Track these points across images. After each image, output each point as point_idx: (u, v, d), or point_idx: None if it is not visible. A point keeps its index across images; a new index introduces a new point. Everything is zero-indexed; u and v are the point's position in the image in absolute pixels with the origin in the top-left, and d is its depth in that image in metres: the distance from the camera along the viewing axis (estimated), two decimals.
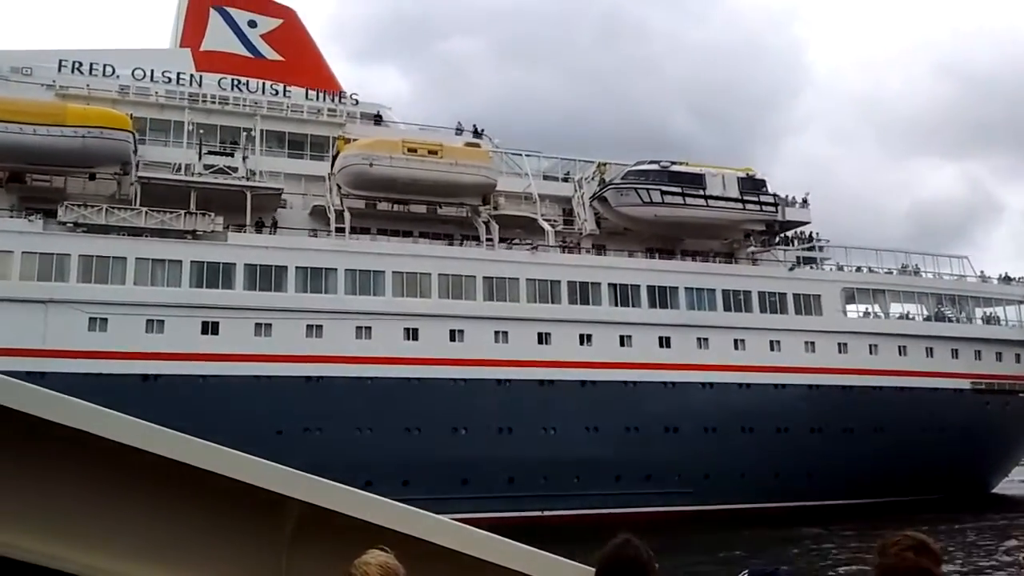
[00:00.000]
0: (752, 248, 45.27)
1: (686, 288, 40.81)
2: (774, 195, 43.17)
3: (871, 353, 43.76)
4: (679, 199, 40.83)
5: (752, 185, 42.79)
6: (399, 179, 36.98)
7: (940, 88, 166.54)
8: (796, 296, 42.75)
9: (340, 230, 37.37)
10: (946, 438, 43.78)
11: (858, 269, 46.04)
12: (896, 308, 47.10)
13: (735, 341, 41.13)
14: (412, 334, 36.34)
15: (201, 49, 43.80)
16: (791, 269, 43.28)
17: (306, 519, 3.11)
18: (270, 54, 44.93)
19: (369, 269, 36.38)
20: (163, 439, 2.96)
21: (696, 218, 41.34)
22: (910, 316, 46.71)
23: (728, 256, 45.33)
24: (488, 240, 38.98)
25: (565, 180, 44.30)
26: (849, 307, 45.09)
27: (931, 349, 45.45)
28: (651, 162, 41.95)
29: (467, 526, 3.21)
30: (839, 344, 43.08)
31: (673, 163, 41.80)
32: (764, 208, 42.68)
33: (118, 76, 39.77)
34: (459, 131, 44.06)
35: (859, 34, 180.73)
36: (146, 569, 3.08)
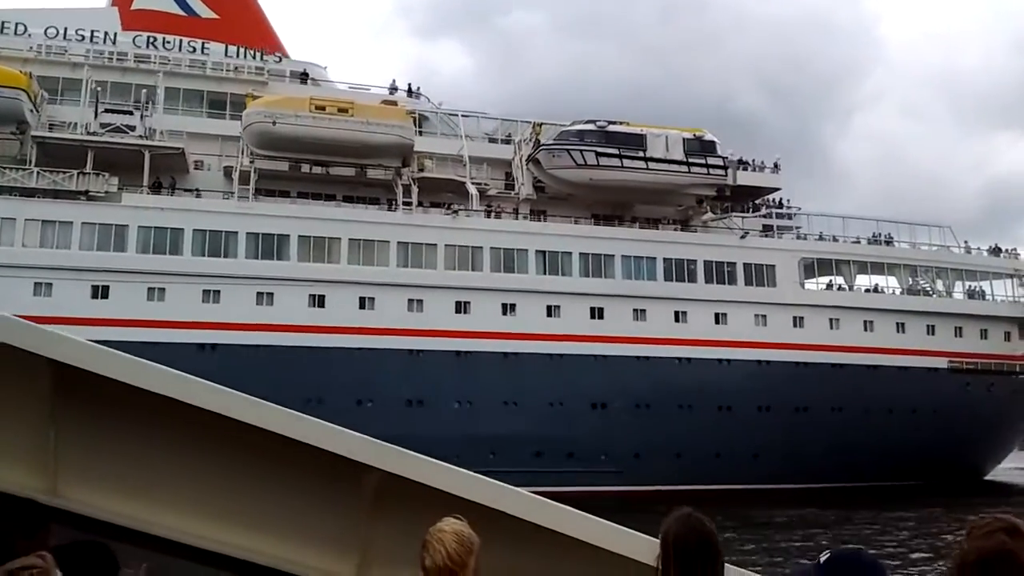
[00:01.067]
0: (708, 215, 43.30)
1: (623, 256, 39.12)
2: (724, 158, 41.07)
3: (832, 328, 41.57)
4: (616, 161, 39.05)
5: (700, 147, 40.79)
6: (304, 138, 35.92)
7: (1019, 62, 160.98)
8: (747, 266, 40.75)
9: (250, 192, 36.43)
10: (921, 421, 41.51)
11: (820, 238, 43.72)
12: (867, 281, 44.80)
13: (676, 313, 39.34)
14: (318, 301, 35.33)
15: (132, 8, 43.22)
16: (742, 237, 41.21)
17: (384, 488, 3.19)
18: (204, 12, 44.16)
19: (273, 232, 35.46)
20: (246, 406, 3.06)
21: (636, 182, 39.53)
22: (881, 289, 44.26)
23: (683, 223, 43.44)
24: (406, 204, 37.69)
25: (507, 142, 42.77)
26: (818, 279, 42.70)
27: (902, 325, 43.07)
28: (587, 121, 40.21)
29: (542, 498, 3.22)
30: (794, 318, 40.99)
31: (611, 122, 39.97)
32: (712, 172, 40.68)
33: (30, 35, 39.34)
34: (393, 89, 42.82)
35: (933, 7, 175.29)
36: (229, 533, 3.21)
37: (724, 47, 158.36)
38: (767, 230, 44.96)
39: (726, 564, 2.73)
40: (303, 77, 41.68)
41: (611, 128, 39.69)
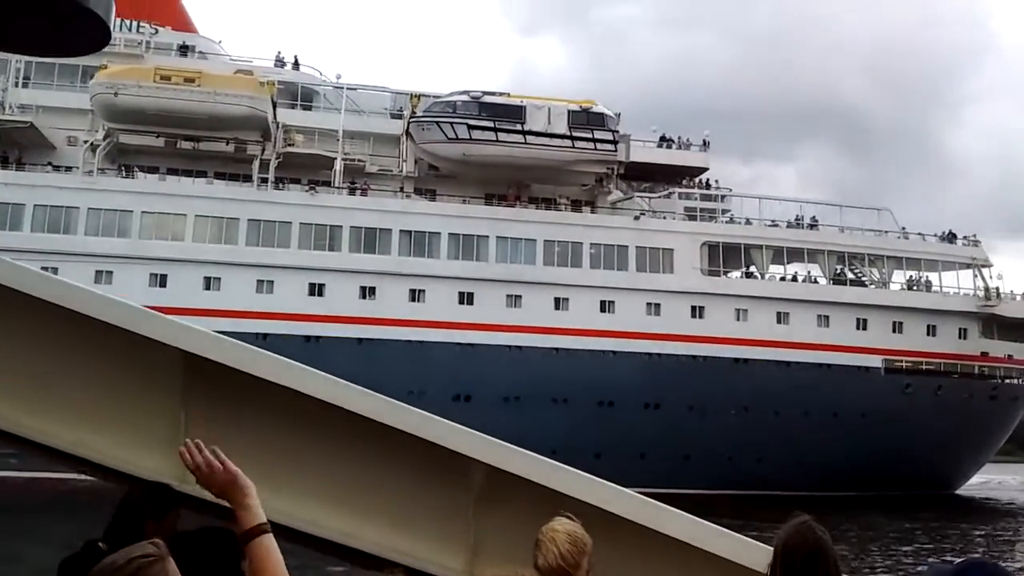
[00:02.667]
0: (615, 196, 41.55)
1: (498, 238, 37.83)
2: (614, 131, 39.25)
3: (739, 319, 39.38)
4: (491, 135, 37.71)
5: (586, 120, 39.12)
6: (148, 109, 35.82)
7: None
8: (640, 250, 38.90)
9: (95, 167, 36.47)
10: (845, 425, 38.95)
11: (730, 220, 41.42)
12: (793, 269, 42.35)
13: (556, 300, 37.82)
14: (160, 280, 35.15)
15: None
16: (636, 218, 39.32)
17: (492, 483, 3.30)
18: None
19: (115, 209, 35.39)
20: (361, 397, 3.23)
21: (513, 157, 38.14)
22: (805, 278, 41.72)
23: (591, 204, 41.75)
24: (262, 179, 37.19)
25: (397, 117, 41.83)
26: (723, 266, 40.47)
27: (826, 318, 40.48)
28: (463, 92, 38.94)
29: (654, 501, 3.29)
30: (694, 307, 38.96)
31: (488, 93, 38.61)
32: (600, 146, 38.92)
33: None
34: (280, 63, 42.40)
35: None
36: (343, 521, 3.37)
37: (829, 34, 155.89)
38: (692, 213, 42.85)
39: None
40: (183, 50, 41.53)
41: (486, 99, 38.40)
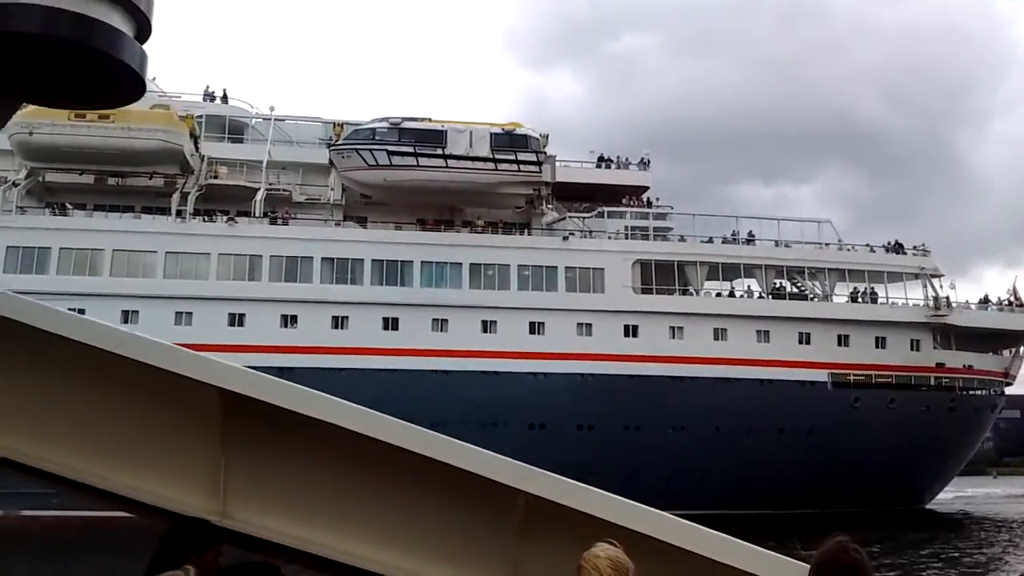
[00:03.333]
0: (550, 217, 41.60)
1: (423, 262, 37.88)
2: (537, 152, 39.37)
3: (673, 337, 39.03)
4: (411, 160, 37.95)
5: (509, 142, 39.33)
6: (63, 147, 36.34)
7: None
8: (570, 270, 38.80)
9: (13, 204, 36.97)
10: (793, 441, 38.39)
11: (663, 238, 41.24)
12: (731, 285, 42.01)
13: (484, 323, 37.71)
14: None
15: None
16: (565, 239, 39.28)
17: (532, 510, 3.34)
18: None
19: (33, 246, 35.73)
20: (399, 430, 3.32)
21: (435, 182, 38.33)
22: (741, 293, 41.41)
23: (523, 226, 41.78)
24: (179, 212, 37.49)
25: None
26: (655, 284, 40.16)
27: (765, 333, 40.04)
28: (383, 119, 39.28)
29: (695, 524, 3.34)
30: (627, 326, 38.70)
31: (407, 118, 38.93)
32: (523, 168, 39.04)
33: None
34: (209, 97, 43.02)
35: None
36: (382, 553, 3.46)
37: (847, 55, 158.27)
38: (658, 232, 42.72)
39: None
40: None
41: (406, 124, 38.71)
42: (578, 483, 3.39)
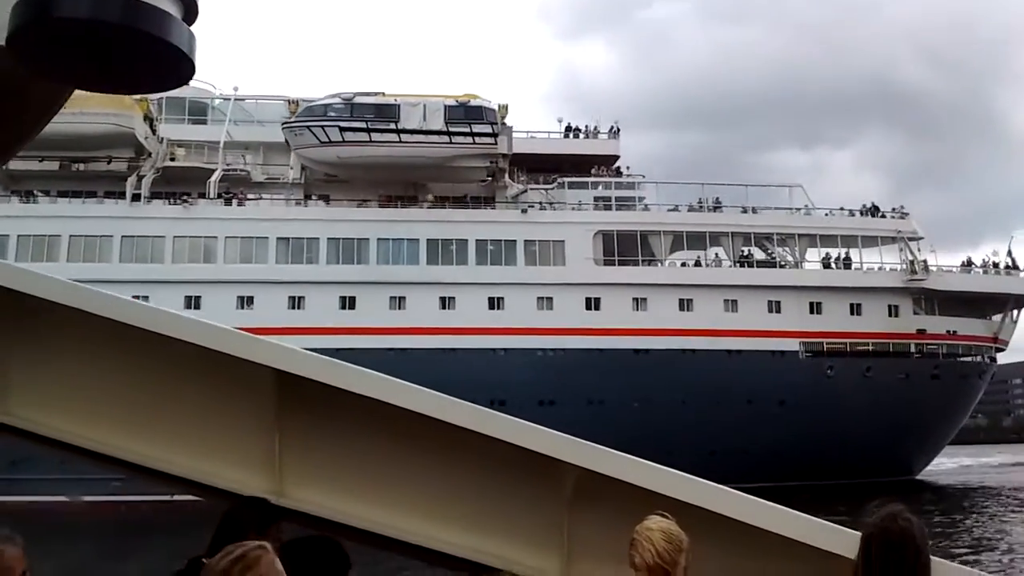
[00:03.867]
0: (515, 189, 41.41)
1: (379, 239, 37.96)
2: (493, 124, 39.04)
3: (636, 309, 38.78)
4: (364, 136, 37.89)
5: (464, 114, 39.05)
6: None
7: None
8: (530, 243, 38.62)
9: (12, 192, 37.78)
10: (763, 411, 38.04)
11: (631, 208, 40.84)
12: (699, 254, 41.49)
13: (442, 299, 37.76)
14: None
15: None
16: (524, 211, 39.08)
17: (583, 484, 3.42)
18: None
19: None
20: (449, 406, 3.41)
21: (389, 157, 38.22)
22: (705, 262, 40.90)
23: (489, 200, 41.62)
24: (135, 195, 37.90)
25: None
26: (618, 255, 39.81)
27: (733, 302, 39.59)
28: (335, 94, 39.21)
29: (746, 495, 3.39)
30: (588, 299, 38.51)
31: (360, 94, 38.80)
32: (478, 140, 38.77)
33: None
34: None
35: None
36: (435, 529, 3.56)
37: (883, 16, 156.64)
38: (623, 203, 42.36)
39: (935, 558, 2.84)
40: None
41: (358, 100, 38.57)
42: (630, 456, 3.41)
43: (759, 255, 41.56)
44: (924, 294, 42.34)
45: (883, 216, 43.22)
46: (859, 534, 3.06)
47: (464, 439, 3.37)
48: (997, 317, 46.83)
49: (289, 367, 3.40)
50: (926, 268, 41.22)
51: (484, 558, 3.48)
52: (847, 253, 41.47)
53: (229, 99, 42.36)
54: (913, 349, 42.27)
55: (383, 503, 3.53)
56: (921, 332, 42.50)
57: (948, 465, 56.28)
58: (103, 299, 3.48)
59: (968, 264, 44.02)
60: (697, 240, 40.50)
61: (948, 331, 43.28)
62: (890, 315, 41.91)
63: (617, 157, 44.90)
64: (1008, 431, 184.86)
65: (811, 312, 40.63)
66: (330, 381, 3.38)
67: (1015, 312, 47.88)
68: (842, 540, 3.17)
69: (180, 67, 3.20)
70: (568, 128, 44.90)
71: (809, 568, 3.26)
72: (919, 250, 42.08)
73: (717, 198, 41.72)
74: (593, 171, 43.84)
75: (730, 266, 40.60)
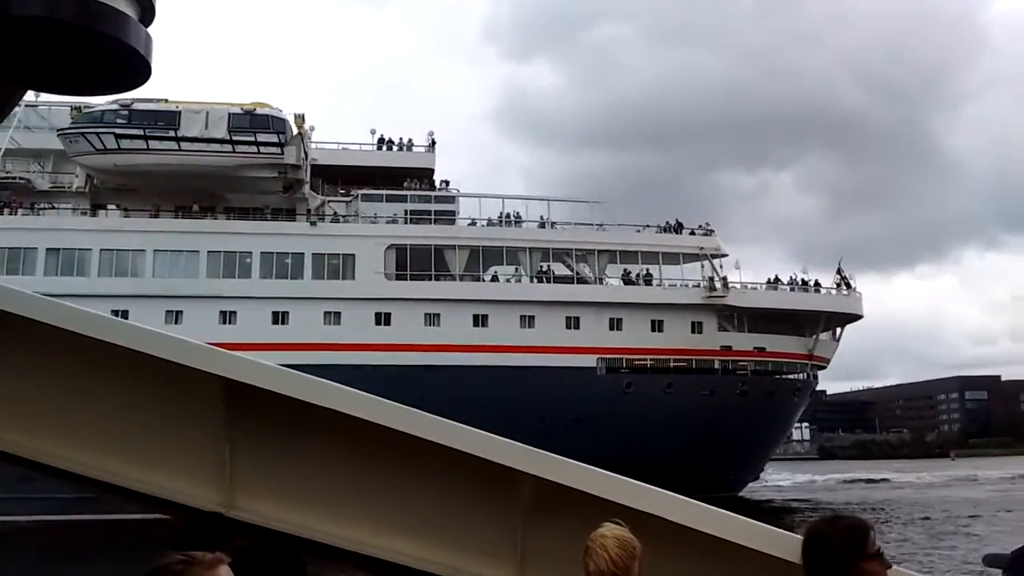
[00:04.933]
0: (317, 201, 41.13)
1: (156, 251, 37.18)
2: (280, 134, 38.75)
3: (428, 324, 38.76)
4: (141, 143, 37.23)
5: (249, 123, 38.71)
6: None
7: None
8: (318, 257, 38.34)
9: None
10: (556, 429, 37.88)
11: (440, 220, 40.84)
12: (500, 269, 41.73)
13: (222, 313, 37.18)
14: None
15: None
16: (313, 224, 38.83)
17: (539, 494, 3.43)
18: None
19: None
20: (403, 416, 3.39)
21: (168, 165, 37.61)
22: (506, 278, 41.17)
23: (289, 212, 41.21)
24: None
25: None
26: (410, 270, 39.76)
27: (531, 318, 39.86)
28: (115, 100, 38.48)
29: (704, 504, 3.43)
30: (378, 314, 38.35)
31: (140, 100, 38.11)
32: (263, 150, 38.44)
33: None
34: None
35: None
36: (390, 540, 3.52)
37: (824, 43, 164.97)
38: (440, 216, 42.30)
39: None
40: None
41: (137, 106, 37.86)
42: (585, 465, 3.46)
43: (564, 271, 41.99)
44: (731, 311, 43.30)
45: (692, 233, 44.13)
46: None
47: (419, 449, 3.39)
48: (826, 335, 48.26)
49: (237, 375, 3.37)
50: (725, 285, 42.14)
51: (438, 569, 3.48)
52: (647, 270, 42.16)
53: (20, 105, 41.18)
54: (717, 366, 43.12)
55: (336, 514, 3.52)
56: (726, 349, 43.42)
57: (790, 482, 57.53)
58: (38, 303, 3.36)
59: (774, 281, 45.14)
60: (493, 255, 40.71)
61: (756, 348, 44.27)
62: (693, 331, 42.74)
63: (432, 170, 45.05)
64: (931, 446, 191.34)
65: (611, 328, 41.20)
66: (279, 389, 3.37)
67: (838, 330, 49.41)
68: (789, 544, 3.27)
69: (137, 69, 3.25)
70: (381, 140, 44.89)
71: (757, 572, 3.34)
72: (720, 267, 43.02)
73: (516, 212, 42.07)
74: (406, 184, 43.86)
75: (528, 282, 40.89)
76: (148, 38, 3.16)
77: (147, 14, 3.19)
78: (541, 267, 41.23)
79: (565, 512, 3.36)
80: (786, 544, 3.27)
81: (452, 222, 42.57)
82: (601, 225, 42.09)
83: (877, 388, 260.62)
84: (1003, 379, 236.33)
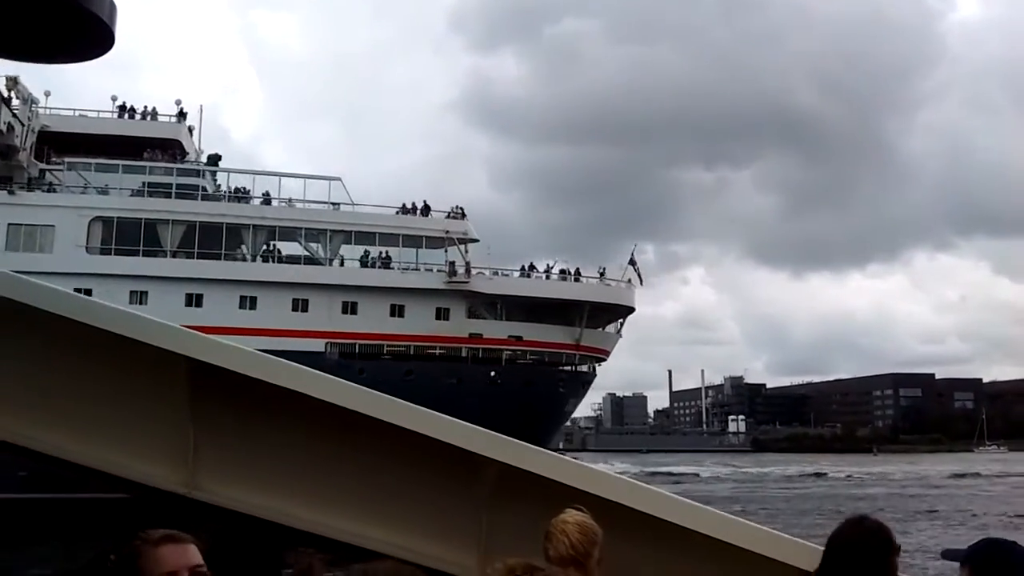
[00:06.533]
0: (35, 170, 39.94)
1: None
2: None
3: (136, 302, 37.72)
4: None
5: None
6: None
7: None
8: (14, 228, 37.23)
9: None
10: None
11: (182, 195, 39.68)
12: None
13: None
14: None
15: None
16: (11, 192, 37.64)
17: (503, 480, 3.66)
18: None
19: None
20: (367, 399, 3.63)
21: None
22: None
23: (6, 180, 39.90)
24: None
25: None
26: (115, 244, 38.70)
27: (252, 299, 39.08)
28: None
29: (664, 492, 3.79)
30: (77, 290, 36.54)
31: None
32: None
33: None
34: None
35: None
36: (353, 523, 3.69)
37: (785, 44, 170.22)
38: (156, 189, 41.06)
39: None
40: None
41: None
42: (548, 451, 3.65)
43: (300, 251, 41.21)
44: (485, 299, 42.78)
45: (447, 216, 43.45)
46: (797, 541, 3.46)
47: (385, 433, 3.46)
48: (611, 327, 47.96)
49: (199, 355, 3.40)
50: (468, 271, 41.54)
51: (403, 553, 3.43)
52: (386, 252, 41.48)
53: None
54: (465, 353, 42.59)
55: (301, 497, 3.56)
56: (476, 336, 42.90)
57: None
58: (8, 280, 3.41)
59: (529, 269, 44.66)
60: (211, 232, 39.67)
61: (512, 336, 43.79)
62: (439, 318, 42.18)
63: (178, 142, 43.92)
64: (861, 440, 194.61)
65: (344, 312, 40.51)
66: (241, 370, 3.42)
67: (621, 322, 49.16)
68: (755, 535, 3.44)
69: (100, 36, 3.28)
70: (122, 108, 43.67)
71: (741, 569, 3.46)
72: (466, 251, 42.41)
73: (244, 188, 41.12)
74: (146, 155, 42.69)
75: (252, 262, 40.06)
76: (112, 6, 3.11)
77: None
78: (267, 246, 40.38)
79: (529, 498, 3.46)
80: (739, 531, 3.44)
81: (196, 197, 41.51)
82: (337, 205, 41.21)
83: (816, 383, 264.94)
84: (937, 377, 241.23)
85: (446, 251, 42.17)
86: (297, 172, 43.64)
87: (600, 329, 48.42)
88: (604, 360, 49.41)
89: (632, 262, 48.09)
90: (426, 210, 42.94)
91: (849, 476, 73.76)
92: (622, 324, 49.10)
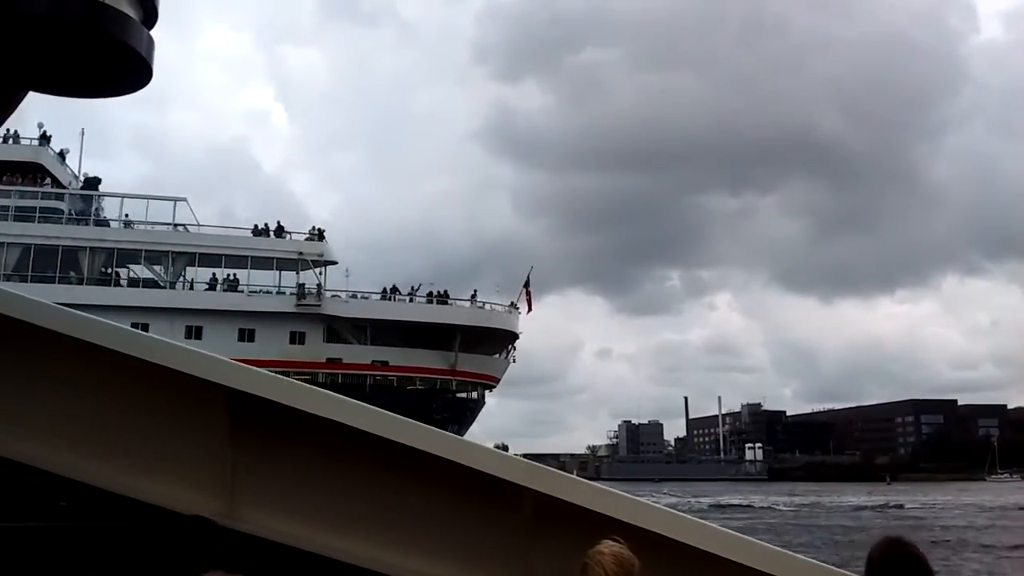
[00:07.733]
0: None
1: None
2: None
3: None
4: None
5: None
6: None
7: None
8: None
9: None
10: None
11: (44, 219, 39.55)
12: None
13: None
14: None
15: None
16: None
17: (543, 509, 3.56)
18: None
19: None
20: (408, 429, 3.51)
21: None
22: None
23: None
24: None
25: None
26: None
27: None
28: None
29: (706, 522, 3.65)
30: None
31: None
32: None
33: None
34: None
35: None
36: (392, 554, 3.61)
37: (806, 70, 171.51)
38: (22, 214, 41.09)
39: None
40: None
41: None
42: (586, 480, 3.65)
43: (145, 274, 40.77)
44: (345, 323, 42.05)
45: (306, 238, 42.81)
46: (813, 562, 3.49)
47: (422, 461, 3.43)
48: (500, 353, 46.93)
49: (239, 384, 3.41)
50: (319, 294, 40.81)
51: None
52: (233, 275, 40.90)
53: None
54: (322, 379, 41.79)
55: (339, 528, 3.54)
56: (335, 361, 42.13)
57: None
58: (43, 309, 3.41)
59: (392, 292, 43.84)
60: (47, 256, 39.32)
61: (376, 361, 42.98)
62: (293, 342, 41.47)
63: (40, 166, 43.80)
64: (879, 468, 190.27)
65: (189, 336, 39.91)
66: (280, 399, 3.41)
67: (511, 347, 48.13)
68: (803, 568, 3.44)
69: (139, 72, 3.25)
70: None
71: None
72: (321, 274, 41.72)
73: (96, 210, 40.81)
74: (5, 178, 42.68)
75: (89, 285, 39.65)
76: (151, 40, 3.17)
77: (150, 16, 3.22)
78: (104, 270, 39.96)
79: (569, 528, 3.39)
80: (783, 563, 3.40)
81: (61, 222, 41.34)
82: (182, 226, 40.76)
83: (838, 409, 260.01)
84: (964, 403, 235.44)
85: (297, 273, 41.54)
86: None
87: (493, 356, 47.45)
88: (493, 387, 48.38)
89: (526, 284, 47.15)
90: (280, 231, 42.34)
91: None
92: (512, 349, 48.08)
